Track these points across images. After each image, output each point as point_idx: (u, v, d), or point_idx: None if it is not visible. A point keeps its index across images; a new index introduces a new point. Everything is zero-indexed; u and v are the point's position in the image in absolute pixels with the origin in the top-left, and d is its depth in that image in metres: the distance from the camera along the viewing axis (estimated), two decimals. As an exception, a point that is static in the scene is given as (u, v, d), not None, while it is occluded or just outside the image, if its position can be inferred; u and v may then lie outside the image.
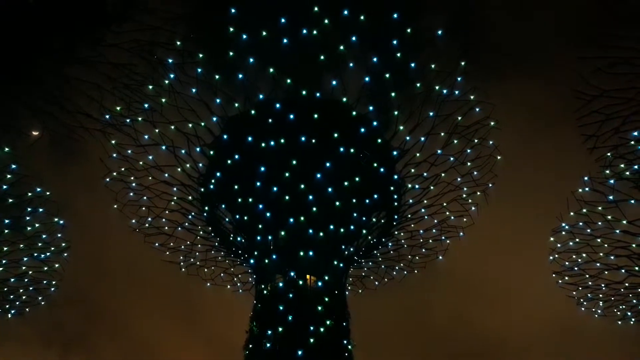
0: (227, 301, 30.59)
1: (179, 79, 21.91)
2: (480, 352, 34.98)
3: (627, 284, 26.68)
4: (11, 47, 21.87)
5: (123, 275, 33.59)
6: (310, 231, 23.69)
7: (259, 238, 24.57)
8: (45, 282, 27.05)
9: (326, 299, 23.18)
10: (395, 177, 25.43)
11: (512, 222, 30.16)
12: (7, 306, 27.46)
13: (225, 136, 23.62)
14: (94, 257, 31.16)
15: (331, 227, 24.14)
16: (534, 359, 35.88)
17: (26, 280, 26.46)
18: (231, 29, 21.30)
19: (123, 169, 24.79)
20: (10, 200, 23.97)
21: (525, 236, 30.00)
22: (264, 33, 21.24)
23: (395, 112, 23.27)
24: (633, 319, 28.68)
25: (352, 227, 25.08)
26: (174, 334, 35.98)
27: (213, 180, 24.79)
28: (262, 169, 23.56)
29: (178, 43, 20.53)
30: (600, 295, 28.29)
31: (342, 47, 21.62)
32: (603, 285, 27.50)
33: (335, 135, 23.44)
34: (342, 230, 24.59)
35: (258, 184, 23.70)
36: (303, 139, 23.20)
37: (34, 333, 34.54)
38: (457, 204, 27.18)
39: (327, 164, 23.58)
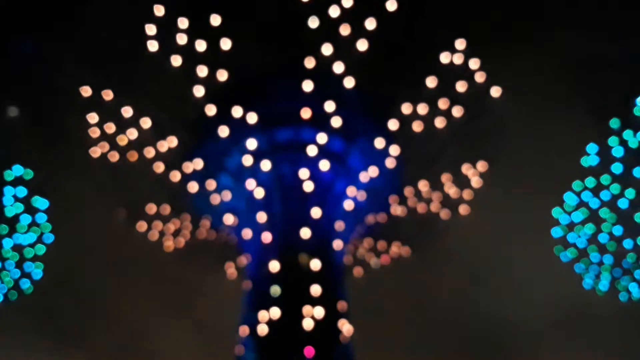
0: (220, 287, 29.74)
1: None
2: (486, 335, 34.30)
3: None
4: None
5: (111, 261, 32.73)
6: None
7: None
8: (29, 265, 26.19)
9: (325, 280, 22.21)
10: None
11: (517, 198, 29.37)
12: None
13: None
14: (80, 243, 30.23)
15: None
16: (541, 339, 35.15)
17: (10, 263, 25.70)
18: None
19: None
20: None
21: (530, 213, 29.22)
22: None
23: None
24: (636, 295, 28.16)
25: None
26: (165, 320, 35.15)
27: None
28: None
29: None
30: (605, 270, 27.73)
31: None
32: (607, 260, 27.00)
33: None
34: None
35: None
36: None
37: (27, 322, 33.68)
38: (458, 180, 26.55)
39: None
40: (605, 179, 24.91)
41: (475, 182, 26.52)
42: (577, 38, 23.24)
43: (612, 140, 24.34)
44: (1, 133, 23.64)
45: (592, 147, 24.92)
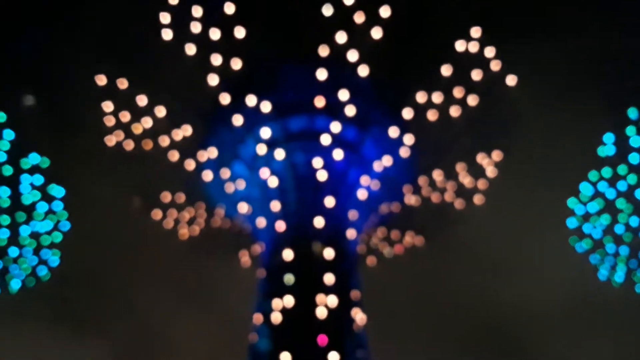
0: (234, 275, 29.86)
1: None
2: (500, 325, 34.20)
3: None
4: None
5: (127, 249, 32.97)
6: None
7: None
8: (46, 252, 26.45)
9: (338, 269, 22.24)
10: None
11: (532, 188, 29.16)
12: (11, 277, 27.02)
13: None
14: (95, 230, 30.49)
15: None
16: (555, 330, 34.98)
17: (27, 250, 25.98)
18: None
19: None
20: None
21: (546, 203, 29.00)
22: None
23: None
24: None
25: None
26: (180, 307, 35.43)
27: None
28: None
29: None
30: (620, 262, 27.49)
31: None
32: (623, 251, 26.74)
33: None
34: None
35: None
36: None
37: (45, 310, 34.18)
38: (473, 170, 26.40)
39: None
40: (622, 169, 24.62)
41: (490, 171, 26.35)
42: (594, 26, 22.94)
43: (630, 130, 24.03)
44: (18, 121, 23.80)
45: (609, 137, 24.63)
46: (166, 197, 26.36)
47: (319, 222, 22.48)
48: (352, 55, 21.94)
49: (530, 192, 30.06)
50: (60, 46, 22.43)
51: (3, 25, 23.53)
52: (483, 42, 22.41)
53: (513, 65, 22.98)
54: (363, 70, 22.22)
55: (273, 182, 23.34)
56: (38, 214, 25.21)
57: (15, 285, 26.84)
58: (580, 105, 25.76)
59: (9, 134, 23.84)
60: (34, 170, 24.60)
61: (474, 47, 22.48)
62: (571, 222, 26.80)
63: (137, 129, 23.89)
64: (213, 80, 22.40)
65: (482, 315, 35.04)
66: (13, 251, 25.44)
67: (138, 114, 23.48)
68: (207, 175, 24.93)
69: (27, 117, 24.74)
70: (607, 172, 25.04)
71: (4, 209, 24.33)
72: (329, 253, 22.13)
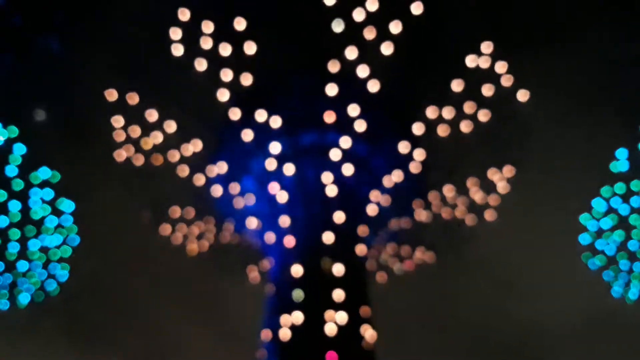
0: (243, 291, 29.75)
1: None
2: (511, 342, 33.83)
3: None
4: (13, 24, 21.36)
5: (136, 263, 33.04)
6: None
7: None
8: (55, 265, 26.45)
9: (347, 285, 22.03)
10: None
11: (544, 204, 28.94)
12: (20, 292, 27.04)
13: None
14: (105, 245, 30.57)
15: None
16: (568, 347, 34.55)
17: (36, 265, 25.98)
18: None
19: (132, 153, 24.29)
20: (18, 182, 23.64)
21: (558, 219, 28.76)
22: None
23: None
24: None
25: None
26: (189, 323, 35.42)
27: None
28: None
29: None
30: (634, 279, 27.11)
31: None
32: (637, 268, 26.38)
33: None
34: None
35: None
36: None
37: (56, 326, 34.31)
38: (484, 185, 26.20)
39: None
40: (635, 184, 24.38)
41: (502, 187, 26.10)
42: (606, 40, 22.83)
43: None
44: (28, 135, 23.93)
45: (621, 152, 24.43)
46: (175, 212, 26.33)
47: (328, 237, 22.30)
48: (363, 71, 21.89)
49: (542, 208, 29.87)
50: (70, 61, 22.67)
51: (15, 40, 23.79)
52: (494, 57, 22.31)
53: (525, 80, 22.85)
54: (373, 86, 22.17)
55: (282, 197, 23.25)
56: (47, 229, 25.29)
57: (23, 299, 26.86)
58: (593, 120, 25.63)
59: (21, 149, 23.95)
60: (44, 184, 24.71)
61: (485, 63, 22.39)
62: (584, 239, 26.52)
63: (146, 144, 23.92)
64: (223, 95, 22.42)
65: (493, 331, 34.72)
66: (22, 265, 25.48)
67: (148, 128, 23.52)
68: (217, 190, 24.88)
69: (38, 131, 24.93)
70: (620, 187, 24.81)
71: (14, 223, 24.40)
72: (338, 269, 21.92)
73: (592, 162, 26.30)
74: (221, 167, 24.38)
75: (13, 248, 24.78)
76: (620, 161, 24.47)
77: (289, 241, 22.77)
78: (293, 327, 20.85)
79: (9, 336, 30.49)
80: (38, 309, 27.66)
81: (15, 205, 24.10)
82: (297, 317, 20.92)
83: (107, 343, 35.45)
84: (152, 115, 23.23)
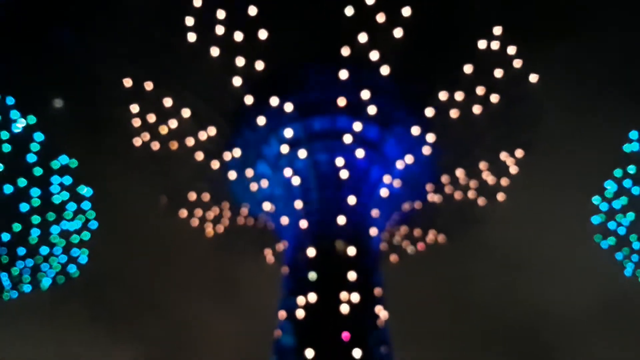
0: (259, 272, 30.21)
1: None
2: (522, 321, 34.03)
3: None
4: (30, 17, 21.71)
5: (153, 246, 33.55)
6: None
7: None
8: (75, 250, 27.05)
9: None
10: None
11: (555, 186, 28.96)
12: (42, 275, 27.67)
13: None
14: (122, 229, 31.12)
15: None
16: (581, 331, 34.67)
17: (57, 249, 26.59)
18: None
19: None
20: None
21: (570, 200, 28.80)
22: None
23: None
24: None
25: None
26: (205, 303, 35.99)
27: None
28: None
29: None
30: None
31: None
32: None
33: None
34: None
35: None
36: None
37: (79, 308, 35.11)
38: (495, 167, 26.34)
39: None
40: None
41: (513, 169, 26.25)
42: (618, 24, 22.75)
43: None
44: (47, 124, 24.38)
45: (634, 134, 24.44)
46: (192, 196, 26.76)
47: (341, 220, 22.68)
48: (374, 55, 22.05)
49: (554, 190, 29.93)
50: (87, 51, 22.94)
51: (32, 31, 24.16)
52: (505, 40, 22.33)
53: (535, 63, 22.84)
54: (385, 70, 22.33)
55: (296, 180, 23.60)
56: (67, 214, 25.85)
57: (46, 282, 27.60)
58: (605, 102, 25.59)
59: (39, 136, 24.45)
60: (63, 171, 25.21)
61: (495, 46, 22.41)
62: (596, 219, 26.64)
63: (163, 130, 24.29)
64: (237, 81, 22.69)
65: (504, 311, 34.98)
66: (44, 249, 26.11)
67: (164, 115, 23.84)
68: (232, 175, 25.25)
69: (57, 119, 25.38)
70: (632, 169, 24.83)
71: (35, 208, 24.96)
72: (351, 250, 22.32)
73: (603, 143, 26.32)
74: (236, 152, 24.73)
75: (35, 233, 25.42)
76: (633, 143, 24.47)
77: (303, 224, 23.16)
78: (308, 307, 21.29)
79: (34, 318, 31.27)
80: (60, 291, 28.36)
81: (35, 192, 24.67)
82: (312, 297, 21.33)
83: (127, 323, 36.22)
84: (167, 102, 23.55)
